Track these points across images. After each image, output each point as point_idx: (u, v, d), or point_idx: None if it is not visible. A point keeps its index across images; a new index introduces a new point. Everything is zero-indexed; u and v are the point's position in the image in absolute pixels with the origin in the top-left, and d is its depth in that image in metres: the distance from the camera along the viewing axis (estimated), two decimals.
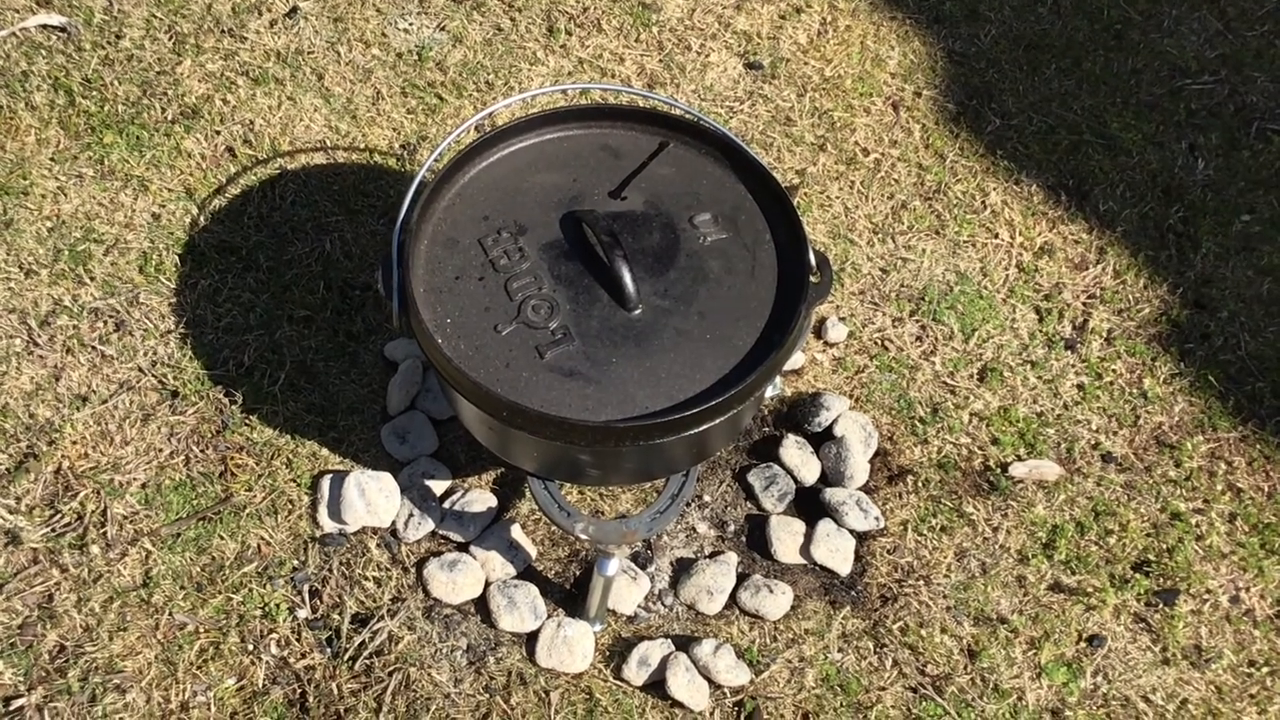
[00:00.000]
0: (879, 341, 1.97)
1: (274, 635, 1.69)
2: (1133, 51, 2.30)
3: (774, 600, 1.73)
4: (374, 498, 1.75)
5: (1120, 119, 2.22)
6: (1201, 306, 2.02)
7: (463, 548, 1.77)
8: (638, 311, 1.47)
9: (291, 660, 1.68)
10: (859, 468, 1.83)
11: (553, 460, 1.51)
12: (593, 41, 2.27)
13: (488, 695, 1.67)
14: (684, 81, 2.23)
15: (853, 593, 1.77)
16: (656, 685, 1.67)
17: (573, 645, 1.68)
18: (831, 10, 2.35)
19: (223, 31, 2.23)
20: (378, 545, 1.76)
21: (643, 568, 1.77)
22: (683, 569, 1.78)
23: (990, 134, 2.19)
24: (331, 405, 1.87)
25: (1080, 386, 1.94)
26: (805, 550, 1.79)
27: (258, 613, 1.71)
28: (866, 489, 1.85)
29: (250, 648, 1.68)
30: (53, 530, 1.74)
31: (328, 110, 2.16)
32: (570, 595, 1.76)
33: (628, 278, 1.45)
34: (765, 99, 2.22)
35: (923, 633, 1.73)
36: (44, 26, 2.22)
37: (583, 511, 1.70)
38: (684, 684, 1.65)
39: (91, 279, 1.95)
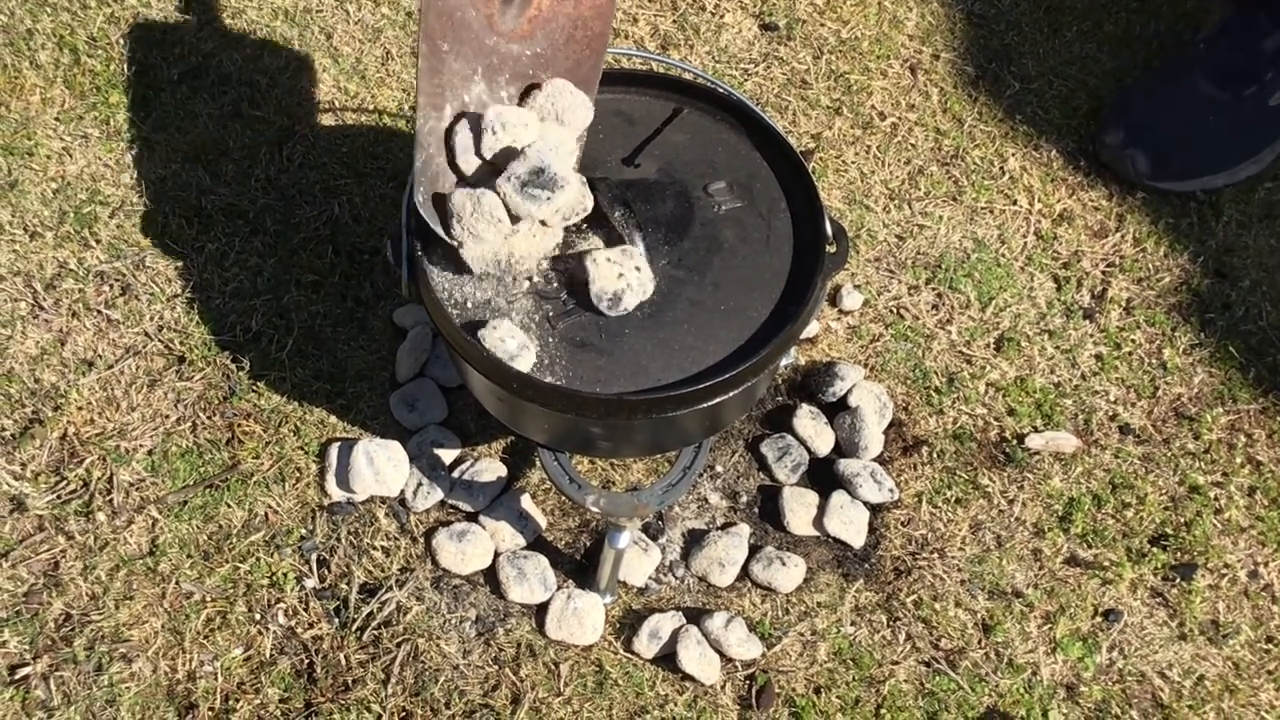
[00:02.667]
0: (895, 310, 1.94)
1: (281, 605, 1.68)
2: (1155, 14, 2.26)
3: (786, 572, 1.72)
4: (382, 466, 1.73)
5: None
6: (1223, 275, 1.99)
7: (472, 518, 1.76)
8: (652, 285, 1.44)
9: (299, 630, 1.67)
10: (873, 438, 1.81)
11: (563, 432, 1.49)
12: None
13: (497, 667, 1.65)
14: (698, 43, 2.19)
15: (866, 565, 1.76)
16: (667, 658, 1.66)
17: (583, 617, 1.67)
18: None
19: None
20: (386, 514, 1.74)
21: (654, 539, 1.76)
22: (694, 540, 1.76)
23: (1009, 98, 2.16)
24: (340, 372, 1.85)
25: (1098, 357, 1.92)
26: (818, 522, 1.77)
27: (265, 582, 1.69)
28: (881, 460, 1.83)
29: (257, 617, 1.67)
30: (58, 497, 1.73)
31: (336, 70, 2.13)
32: (581, 566, 1.74)
33: (641, 246, 1.42)
34: (781, 61, 2.19)
35: (936, 606, 1.71)
36: None
37: (593, 483, 1.68)
38: (695, 657, 1.64)
39: (97, 242, 1.92)
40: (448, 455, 1.79)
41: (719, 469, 1.83)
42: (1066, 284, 1.97)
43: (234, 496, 1.74)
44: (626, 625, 1.69)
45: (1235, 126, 2.04)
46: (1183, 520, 1.78)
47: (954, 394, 1.88)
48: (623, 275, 1.39)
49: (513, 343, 1.37)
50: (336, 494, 1.75)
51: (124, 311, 1.87)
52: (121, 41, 2.13)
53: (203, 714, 1.60)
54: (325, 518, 1.74)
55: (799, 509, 1.77)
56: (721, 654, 1.66)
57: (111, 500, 1.73)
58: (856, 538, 1.76)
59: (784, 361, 1.85)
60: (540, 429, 1.50)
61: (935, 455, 1.83)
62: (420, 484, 1.75)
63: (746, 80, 2.16)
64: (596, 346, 1.40)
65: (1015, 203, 2.05)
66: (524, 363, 1.37)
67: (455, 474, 1.77)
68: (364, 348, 1.87)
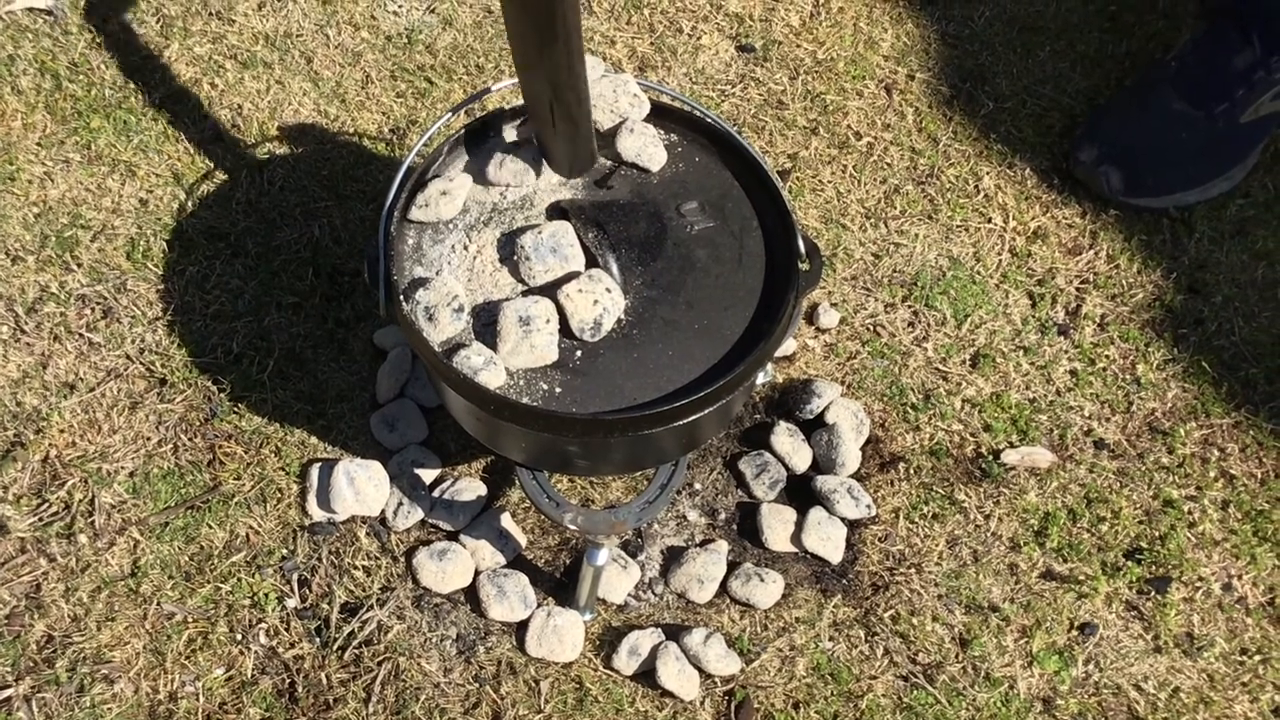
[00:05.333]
0: (871, 327, 1.96)
1: (263, 625, 1.69)
2: (1127, 33, 2.28)
3: (765, 589, 1.73)
4: (363, 486, 1.74)
5: None
6: (1195, 291, 2.01)
7: (452, 536, 1.77)
8: (625, 302, 1.45)
9: (280, 650, 1.67)
10: (850, 455, 1.83)
11: (541, 451, 1.50)
12: (583, 24, 2.25)
13: (477, 685, 1.66)
14: (675, 64, 2.21)
15: (844, 581, 1.77)
16: (647, 675, 1.67)
17: (562, 635, 1.68)
18: None
19: (210, 14, 2.22)
20: (367, 534, 1.75)
21: (633, 556, 1.77)
22: (673, 557, 1.77)
23: (983, 117, 2.18)
24: (320, 393, 1.86)
25: (1073, 373, 1.93)
26: (796, 538, 1.78)
27: (246, 602, 1.70)
28: (858, 476, 1.84)
29: (239, 637, 1.68)
30: (40, 520, 1.73)
31: (316, 94, 2.14)
32: (561, 584, 1.76)
33: (614, 268, 1.44)
34: (757, 82, 2.21)
35: (914, 621, 1.73)
36: (30, 9, 2.20)
37: (572, 501, 1.69)
38: (674, 673, 1.65)
39: (79, 265, 1.93)
40: (428, 475, 1.80)
41: (697, 486, 1.84)
42: (1041, 301, 1.99)
43: (215, 517, 1.75)
44: (606, 642, 1.70)
45: (1207, 143, 2.06)
46: (1157, 534, 1.80)
47: (930, 410, 1.89)
48: (598, 302, 1.41)
49: (478, 359, 1.38)
50: (317, 514, 1.76)
51: (105, 334, 1.88)
52: (103, 67, 2.14)
53: None
54: (306, 538, 1.75)
55: (777, 525, 1.78)
56: (700, 670, 1.67)
57: (93, 522, 1.73)
58: (834, 553, 1.77)
59: (761, 379, 1.86)
60: (518, 448, 1.52)
61: (912, 471, 1.84)
62: (401, 503, 1.76)
63: (723, 101, 2.18)
64: (572, 366, 1.41)
65: (990, 220, 2.07)
66: (492, 378, 1.38)
67: (435, 493, 1.78)
68: (344, 369, 1.88)
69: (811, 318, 1.96)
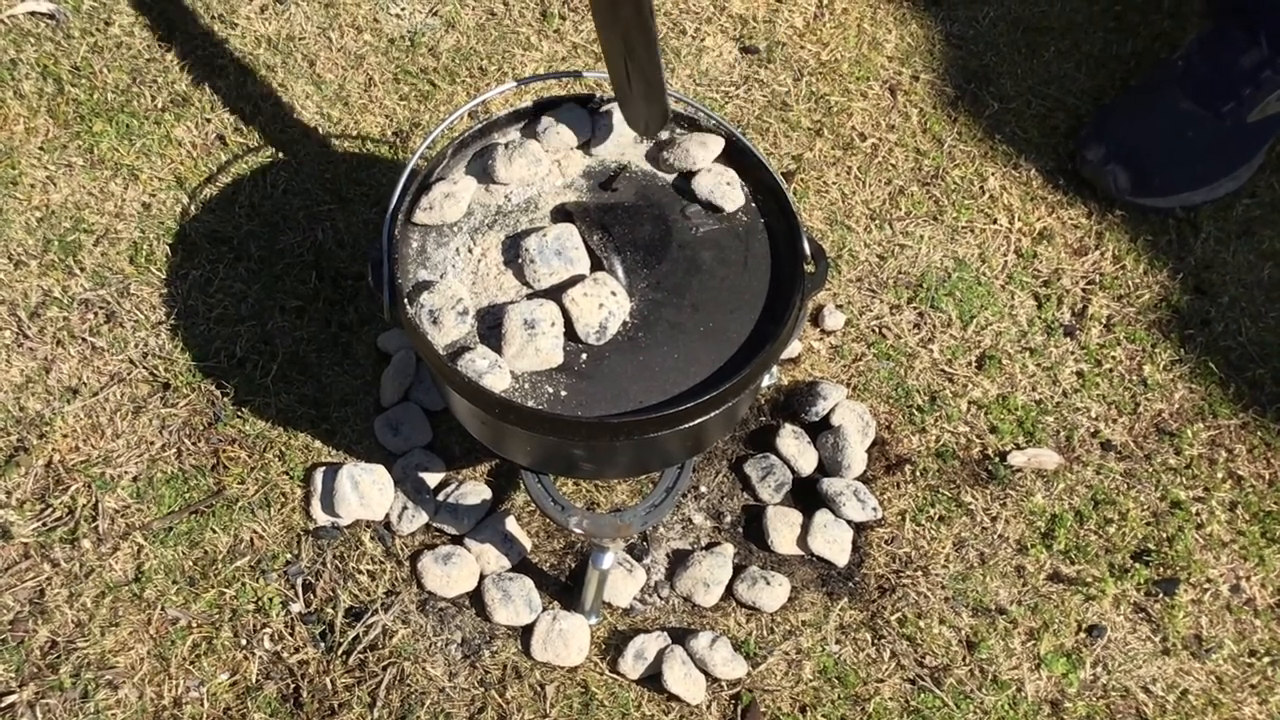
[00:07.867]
0: (876, 329, 1.95)
1: (267, 630, 1.68)
2: (1132, 33, 2.27)
3: (771, 592, 1.72)
4: (367, 490, 1.73)
5: None
6: (1202, 292, 2.00)
7: (457, 540, 1.76)
8: (630, 305, 1.45)
9: (285, 655, 1.67)
10: (856, 457, 1.82)
11: (545, 455, 1.50)
12: (587, 26, 2.24)
13: (483, 689, 1.66)
14: (679, 66, 2.21)
15: (850, 584, 1.76)
16: (653, 678, 1.66)
17: (568, 638, 1.67)
18: None
19: (213, 18, 2.21)
20: (371, 538, 1.75)
21: (639, 559, 1.76)
22: (679, 561, 1.76)
23: (988, 118, 2.17)
24: (324, 397, 1.85)
25: (1079, 374, 1.93)
26: (802, 541, 1.77)
27: (251, 607, 1.70)
28: (864, 479, 1.83)
29: (243, 642, 1.67)
30: (44, 524, 1.73)
31: (319, 97, 2.14)
32: (566, 588, 1.75)
33: (619, 271, 1.43)
34: (761, 84, 2.20)
35: (921, 624, 1.72)
36: (32, 14, 2.19)
37: (577, 504, 1.69)
38: (680, 677, 1.64)
39: (81, 270, 1.93)
40: (432, 478, 1.80)
41: (703, 489, 1.83)
42: (1047, 302, 1.98)
43: (219, 522, 1.75)
44: (612, 646, 1.70)
45: (1214, 143, 2.05)
46: (1165, 535, 1.79)
47: (936, 412, 1.88)
48: (603, 305, 1.40)
49: (483, 362, 1.38)
50: (322, 518, 1.75)
51: (108, 339, 1.87)
52: (105, 70, 2.14)
53: None
54: (310, 542, 1.74)
55: (783, 528, 1.78)
56: (707, 674, 1.67)
57: (97, 527, 1.73)
58: (840, 556, 1.77)
59: (766, 381, 1.85)
60: (523, 452, 1.51)
61: (918, 473, 1.84)
62: (405, 507, 1.76)
63: (728, 103, 2.17)
64: (577, 370, 1.41)
65: (995, 221, 2.06)
66: (497, 381, 1.37)
67: (440, 497, 1.78)
68: (348, 372, 1.88)
69: (817, 320, 1.95)
